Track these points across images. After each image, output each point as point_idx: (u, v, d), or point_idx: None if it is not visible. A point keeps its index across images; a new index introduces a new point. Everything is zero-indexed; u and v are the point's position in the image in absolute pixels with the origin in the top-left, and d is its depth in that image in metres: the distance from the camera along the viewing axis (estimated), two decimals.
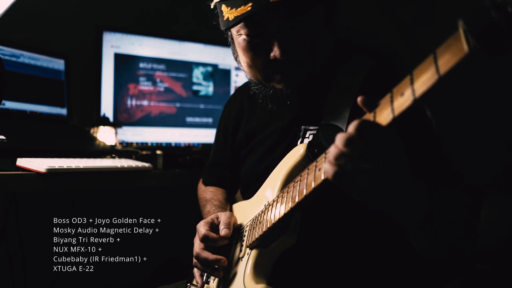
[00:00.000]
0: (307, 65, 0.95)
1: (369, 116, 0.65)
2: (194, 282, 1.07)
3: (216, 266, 0.97)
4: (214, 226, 1.02)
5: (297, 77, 0.95)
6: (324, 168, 0.68)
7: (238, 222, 1.06)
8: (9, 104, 1.48)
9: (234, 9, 0.88)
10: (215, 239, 0.98)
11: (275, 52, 0.92)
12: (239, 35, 0.96)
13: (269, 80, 0.98)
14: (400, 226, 0.77)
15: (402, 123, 0.61)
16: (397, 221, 0.75)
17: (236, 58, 1.04)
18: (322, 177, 0.71)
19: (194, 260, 1.01)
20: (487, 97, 1.43)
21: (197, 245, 1.00)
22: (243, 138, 1.17)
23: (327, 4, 0.95)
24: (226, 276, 0.97)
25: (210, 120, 1.96)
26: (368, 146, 0.63)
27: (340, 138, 0.64)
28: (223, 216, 1.02)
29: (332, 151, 0.65)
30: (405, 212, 0.73)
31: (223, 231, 0.98)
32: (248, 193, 1.08)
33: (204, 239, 0.98)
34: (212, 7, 0.98)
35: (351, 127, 0.63)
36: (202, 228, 1.00)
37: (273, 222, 0.86)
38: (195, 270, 1.05)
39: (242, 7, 0.87)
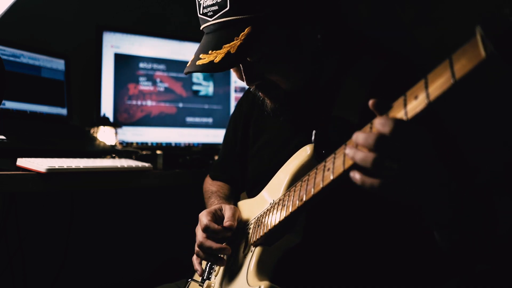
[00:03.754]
0: (280, 87, 0.96)
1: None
2: (195, 278, 1.07)
3: (220, 255, 0.97)
4: (217, 217, 1.02)
5: (276, 97, 0.98)
6: (362, 181, 0.65)
7: (243, 221, 1.06)
8: (9, 104, 1.48)
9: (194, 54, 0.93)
10: (217, 230, 0.98)
11: (244, 81, 0.96)
12: None
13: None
14: (428, 221, 0.76)
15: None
16: (427, 216, 0.74)
17: None
18: (331, 177, 0.70)
19: (196, 248, 1.01)
20: (488, 96, 1.43)
21: (200, 234, 1.00)
22: (253, 135, 1.17)
23: (291, 25, 0.92)
24: (229, 272, 0.98)
25: (210, 120, 1.96)
26: (401, 143, 0.61)
27: (371, 141, 0.62)
28: (227, 211, 1.02)
29: (367, 159, 0.63)
30: (436, 207, 0.71)
31: (227, 223, 0.98)
32: (254, 193, 1.08)
33: (205, 229, 0.98)
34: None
35: (384, 127, 0.61)
36: (204, 218, 1.00)
37: (278, 220, 0.86)
38: (194, 258, 1.05)
39: (200, 56, 0.91)
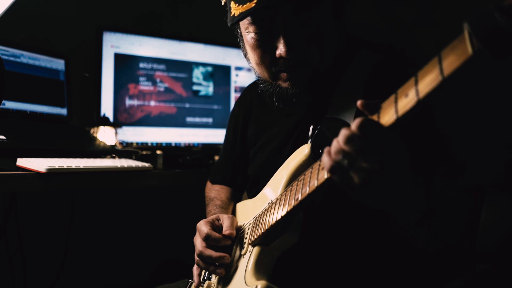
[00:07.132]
0: (313, 63, 0.95)
1: (373, 117, 0.65)
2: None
3: (218, 264, 0.98)
4: (215, 227, 1.03)
5: (303, 76, 0.95)
6: (322, 160, 0.68)
7: (242, 221, 1.07)
8: (9, 104, 1.48)
9: (241, 5, 0.89)
10: (217, 239, 0.99)
11: (281, 50, 0.92)
12: (247, 33, 0.97)
13: (276, 79, 0.98)
14: (395, 222, 0.77)
15: (408, 121, 0.61)
16: (393, 218, 0.76)
17: (245, 55, 1.05)
18: (325, 176, 0.71)
19: (196, 258, 1.02)
20: (488, 96, 1.42)
21: (199, 244, 1.01)
22: (252, 135, 1.18)
23: (335, 0, 0.95)
24: (228, 272, 0.98)
25: (210, 120, 1.96)
26: (367, 146, 0.63)
27: (341, 135, 0.65)
28: (225, 220, 1.03)
29: (333, 145, 0.66)
30: (401, 211, 0.73)
31: (227, 231, 0.99)
32: (254, 192, 1.09)
33: (206, 238, 0.99)
34: (222, 3, 0.99)
35: (354, 125, 0.63)
36: (203, 227, 1.01)
37: (275, 220, 0.86)
38: (195, 268, 1.05)
39: (248, 3, 0.88)
